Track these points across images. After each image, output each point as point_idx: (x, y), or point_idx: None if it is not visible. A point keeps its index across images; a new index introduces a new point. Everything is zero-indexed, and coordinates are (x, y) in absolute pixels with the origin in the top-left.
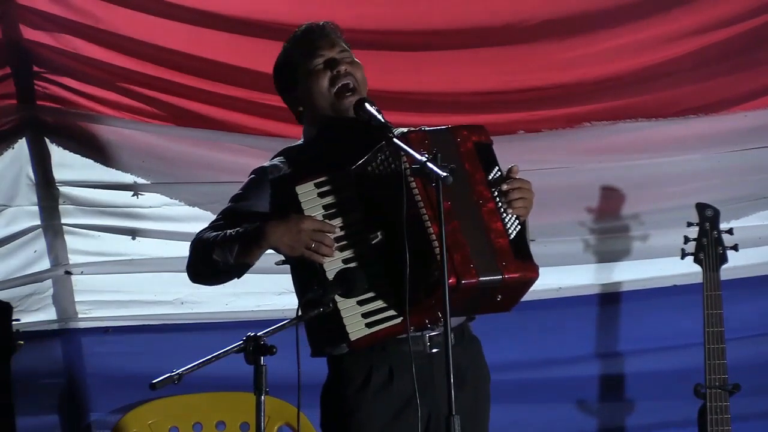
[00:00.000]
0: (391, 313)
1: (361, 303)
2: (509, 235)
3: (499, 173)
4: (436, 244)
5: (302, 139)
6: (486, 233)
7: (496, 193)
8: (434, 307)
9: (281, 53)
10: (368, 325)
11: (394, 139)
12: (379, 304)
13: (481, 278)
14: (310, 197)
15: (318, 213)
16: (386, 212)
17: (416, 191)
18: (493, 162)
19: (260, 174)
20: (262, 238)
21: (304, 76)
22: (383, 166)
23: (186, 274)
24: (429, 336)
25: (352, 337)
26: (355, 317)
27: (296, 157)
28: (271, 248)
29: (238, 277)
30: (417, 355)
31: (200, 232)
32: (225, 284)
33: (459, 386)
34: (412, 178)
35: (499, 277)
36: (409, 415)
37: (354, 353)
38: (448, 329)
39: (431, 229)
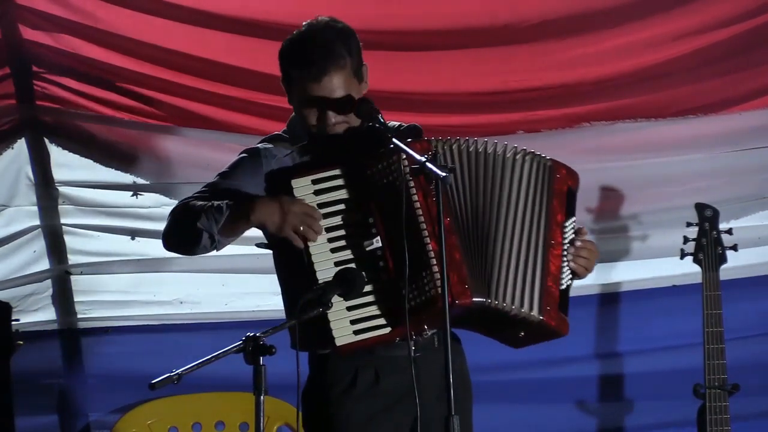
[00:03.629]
0: (380, 322)
1: (350, 309)
2: (561, 285)
3: (574, 224)
4: (434, 261)
5: (286, 128)
6: (543, 272)
7: (566, 242)
8: (423, 321)
9: (284, 49)
10: (356, 333)
11: (394, 140)
12: (368, 311)
13: (475, 299)
14: (306, 192)
15: None
16: (384, 219)
17: (418, 204)
18: (573, 211)
19: (252, 154)
20: (251, 213)
21: (295, 98)
22: (385, 172)
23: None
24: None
25: (338, 342)
26: (343, 322)
27: (291, 147)
28: (257, 225)
29: (217, 250)
30: (402, 360)
31: (183, 200)
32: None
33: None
34: (414, 191)
35: (539, 317)
36: (393, 418)
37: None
38: (447, 339)
39: (430, 246)
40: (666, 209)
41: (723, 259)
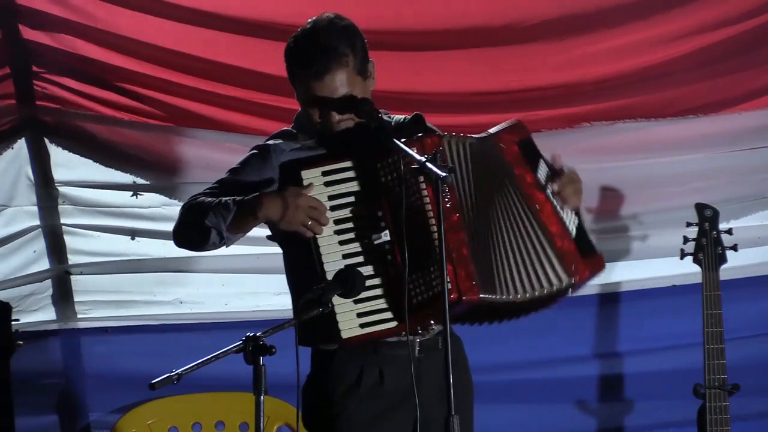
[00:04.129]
0: (387, 315)
1: (357, 302)
2: (571, 234)
3: (545, 166)
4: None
5: (295, 125)
6: (549, 240)
7: (549, 192)
8: (429, 316)
9: (289, 47)
10: (362, 326)
11: (395, 141)
12: (375, 305)
13: (482, 295)
14: (316, 184)
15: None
16: (392, 213)
17: (427, 200)
18: (536, 155)
19: (263, 152)
20: (259, 210)
21: (299, 95)
22: (395, 166)
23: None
24: (418, 341)
25: (344, 335)
26: (349, 315)
27: (299, 142)
28: (264, 221)
29: (227, 246)
30: (406, 360)
31: (193, 196)
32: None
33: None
34: (424, 186)
35: (571, 281)
36: (396, 418)
37: (345, 351)
38: (447, 339)
39: (437, 241)
40: (666, 209)
41: (723, 259)
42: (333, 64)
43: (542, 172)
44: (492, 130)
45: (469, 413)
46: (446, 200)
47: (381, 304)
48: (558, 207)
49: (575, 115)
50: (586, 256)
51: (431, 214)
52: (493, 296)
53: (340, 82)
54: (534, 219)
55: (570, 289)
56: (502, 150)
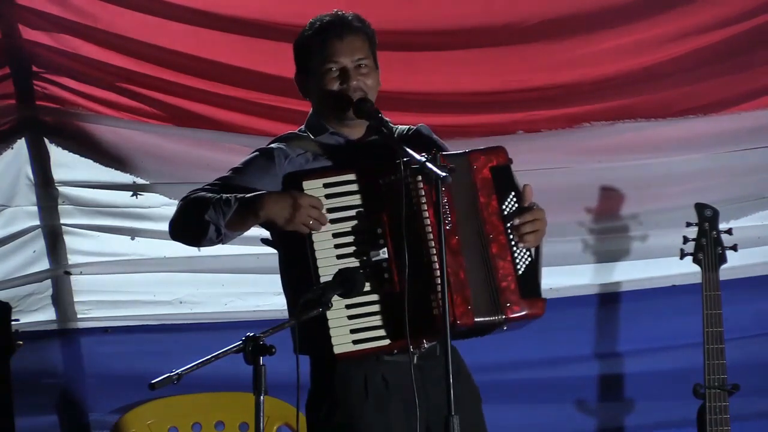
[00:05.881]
0: (381, 333)
1: (351, 318)
2: (517, 271)
3: (515, 200)
4: (439, 281)
5: (304, 126)
6: (494, 271)
7: (509, 225)
8: (423, 336)
9: (304, 30)
10: (355, 342)
11: (393, 137)
12: (369, 321)
13: (477, 319)
14: (317, 195)
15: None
16: (392, 231)
17: (428, 221)
18: (509, 186)
19: (267, 155)
20: (260, 209)
21: (316, 72)
22: (398, 183)
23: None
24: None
25: (337, 350)
26: (342, 330)
27: (305, 147)
28: (265, 220)
29: (223, 243)
30: (407, 366)
31: (192, 191)
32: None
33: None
34: (426, 207)
35: (501, 317)
36: (406, 422)
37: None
38: (448, 350)
39: (436, 264)
40: (666, 209)
41: (723, 259)
42: (353, 30)
43: (510, 203)
44: (471, 149)
45: (480, 420)
46: (447, 222)
47: (375, 321)
48: (512, 241)
49: (575, 115)
50: (527, 297)
51: (432, 236)
52: (486, 318)
53: (360, 46)
54: (485, 247)
55: (501, 325)
56: (473, 171)
